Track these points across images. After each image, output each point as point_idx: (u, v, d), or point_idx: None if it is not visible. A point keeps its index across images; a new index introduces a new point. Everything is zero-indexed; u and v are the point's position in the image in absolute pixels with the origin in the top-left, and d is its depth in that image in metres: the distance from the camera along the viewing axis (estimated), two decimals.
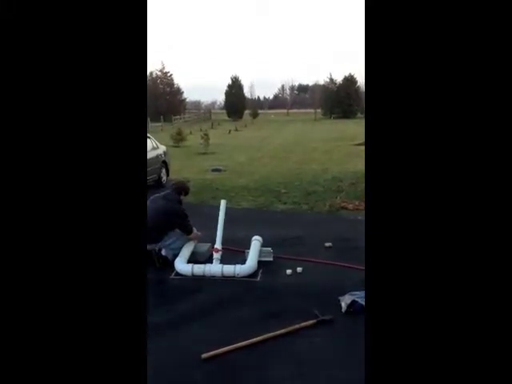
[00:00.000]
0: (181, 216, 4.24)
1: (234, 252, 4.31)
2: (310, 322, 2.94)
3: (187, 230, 4.25)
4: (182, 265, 3.87)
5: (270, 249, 4.15)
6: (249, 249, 4.07)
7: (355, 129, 20.99)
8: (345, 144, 16.33)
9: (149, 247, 3.99)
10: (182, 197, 4.44)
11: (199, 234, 4.37)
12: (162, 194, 4.44)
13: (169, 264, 4.02)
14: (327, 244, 4.55)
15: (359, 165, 10.47)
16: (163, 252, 4.13)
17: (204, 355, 2.56)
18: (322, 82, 45.75)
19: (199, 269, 3.78)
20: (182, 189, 4.48)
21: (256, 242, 4.18)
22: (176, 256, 4.04)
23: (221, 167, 10.62)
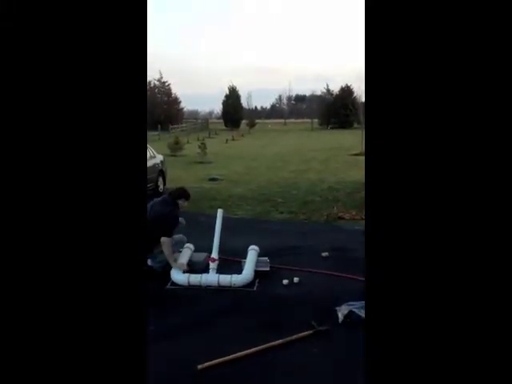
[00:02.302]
0: (168, 219, 4.01)
1: (231, 261, 4.29)
2: (307, 332, 2.92)
3: (167, 234, 3.95)
4: (178, 274, 3.85)
5: (266, 258, 4.14)
6: (245, 258, 4.06)
7: (352, 139, 21.09)
8: (341, 154, 16.40)
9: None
10: (182, 203, 4.24)
11: (184, 264, 4.00)
12: (160, 198, 4.37)
13: (156, 276, 3.89)
14: (324, 254, 4.55)
15: (356, 174, 10.51)
16: (149, 262, 4.03)
17: (200, 366, 2.53)
18: (318, 93, 46.14)
19: (195, 278, 3.76)
20: (180, 194, 4.28)
21: (253, 251, 4.17)
22: (163, 268, 3.94)
23: (218, 176, 10.63)
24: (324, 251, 4.59)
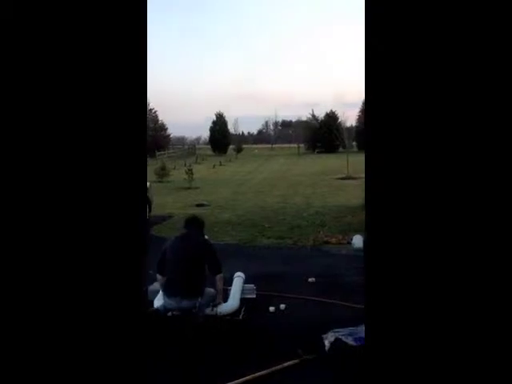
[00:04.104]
0: (213, 250, 3.55)
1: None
2: (294, 361, 2.86)
3: (218, 268, 3.49)
4: (158, 301, 3.75)
5: (252, 285, 4.09)
6: (231, 286, 4.00)
7: (337, 163, 21.40)
8: (328, 178, 16.57)
9: (186, 304, 3.30)
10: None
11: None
12: (179, 236, 3.67)
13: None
14: (310, 279, 4.52)
15: (341, 199, 10.61)
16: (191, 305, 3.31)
17: None
18: (304, 118, 47.03)
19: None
20: (202, 223, 3.73)
21: (238, 278, 4.12)
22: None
23: (205, 202, 10.60)
24: (311, 276, 4.57)
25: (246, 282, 4.15)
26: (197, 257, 3.47)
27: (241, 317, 3.63)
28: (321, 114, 42.43)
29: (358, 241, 5.99)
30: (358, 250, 5.84)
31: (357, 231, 6.64)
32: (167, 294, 3.42)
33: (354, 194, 10.97)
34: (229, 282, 4.13)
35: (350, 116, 66.23)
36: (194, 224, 3.70)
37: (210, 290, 3.59)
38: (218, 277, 3.51)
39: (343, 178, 15.66)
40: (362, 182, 13.16)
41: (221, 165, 25.99)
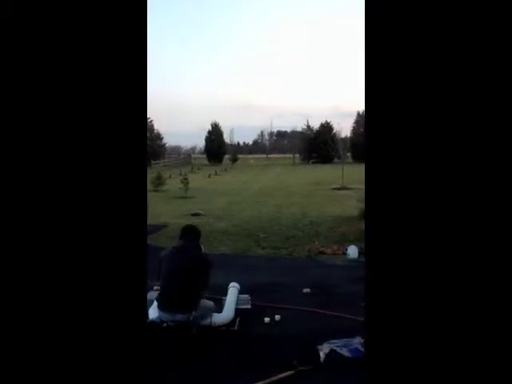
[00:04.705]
0: (210, 266, 3.54)
1: (211, 299, 4.19)
2: (289, 372, 2.85)
3: (207, 284, 3.55)
4: (154, 312, 3.73)
5: (247, 296, 4.08)
6: (226, 296, 3.99)
7: (332, 173, 21.49)
8: (322, 188, 16.61)
9: (180, 318, 3.30)
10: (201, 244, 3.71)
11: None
12: (176, 246, 3.62)
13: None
14: (305, 290, 4.51)
15: (337, 209, 10.64)
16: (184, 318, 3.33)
17: None
18: (299, 129, 47.31)
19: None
20: (198, 233, 3.68)
21: (233, 288, 4.11)
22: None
23: (200, 211, 10.58)
24: (306, 287, 4.57)
25: (240, 292, 4.14)
26: (192, 270, 3.45)
27: (236, 327, 3.61)
28: (316, 124, 42.77)
29: (352, 251, 6.01)
30: (352, 260, 5.85)
31: (352, 241, 6.65)
32: (161, 307, 3.40)
33: (349, 204, 11.01)
34: (224, 291, 4.11)
35: (344, 127, 66.82)
36: (190, 234, 3.67)
37: (206, 302, 3.58)
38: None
39: (338, 189, 15.72)
40: (356, 193, 13.27)
41: (216, 174, 26.00)
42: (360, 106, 43.08)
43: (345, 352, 3.09)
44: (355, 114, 39.01)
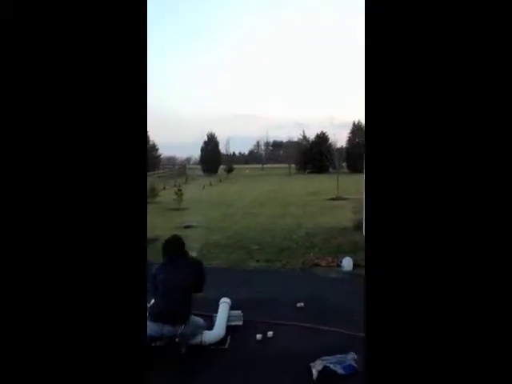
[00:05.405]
0: (204, 273, 3.52)
1: (202, 316, 4.10)
2: None
3: (201, 289, 3.54)
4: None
5: (239, 312, 3.98)
6: (217, 312, 3.89)
7: (328, 183, 21.46)
8: (318, 198, 16.57)
9: (168, 331, 3.25)
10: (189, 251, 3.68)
11: None
12: (164, 263, 3.51)
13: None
14: (299, 304, 4.42)
15: (332, 220, 10.57)
16: (174, 332, 3.27)
17: None
18: (295, 139, 47.47)
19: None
20: (181, 245, 3.57)
21: (224, 304, 4.01)
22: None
23: (193, 223, 10.48)
24: (299, 301, 4.48)
25: (232, 307, 4.04)
26: (183, 285, 3.38)
27: (227, 346, 3.50)
28: (312, 134, 42.96)
29: (347, 263, 5.93)
30: (347, 272, 5.77)
31: (347, 253, 6.58)
32: (151, 318, 3.32)
33: (344, 215, 10.96)
34: (215, 307, 4.02)
35: (340, 138, 67.33)
36: (174, 248, 3.51)
37: (196, 319, 3.49)
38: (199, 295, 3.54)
39: (333, 199, 15.68)
40: (351, 203, 13.24)
41: (211, 185, 25.94)
42: (355, 116, 43.43)
43: (338, 369, 3.01)
44: (351, 125, 39.32)
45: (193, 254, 3.80)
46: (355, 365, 3.02)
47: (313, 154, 38.51)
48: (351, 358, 3.10)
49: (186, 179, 29.86)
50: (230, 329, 3.73)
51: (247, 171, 46.27)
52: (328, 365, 3.01)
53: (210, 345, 3.48)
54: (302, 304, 4.43)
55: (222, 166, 41.82)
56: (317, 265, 6.27)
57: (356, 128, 37.83)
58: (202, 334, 3.44)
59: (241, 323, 3.88)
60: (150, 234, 8.88)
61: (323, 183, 23.87)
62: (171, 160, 47.44)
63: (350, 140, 38.57)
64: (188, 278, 3.43)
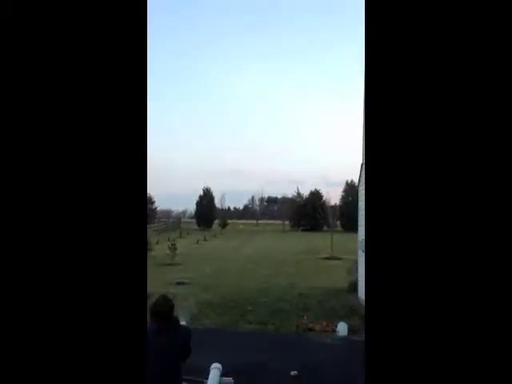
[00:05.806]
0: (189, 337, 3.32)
1: (192, 382, 3.92)
2: None
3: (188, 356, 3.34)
4: None
5: (230, 379, 3.82)
6: (207, 378, 3.73)
7: (322, 242, 21.41)
8: (311, 257, 16.45)
9: None
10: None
11: None
12: (153, 330, 3.18)
13: None
14: (293, 373, 4.26)
15: (326, 281, 10.44)
16: None
17: None
18: (289, 195, 48.02)
19: None
20: (171, 307, 3.32)
21: (215, 370, 3.85)
22: None
23: (186, 280, 10.30)
24: (293, 369, 4.31)
25: (223, 374, 3.88)
26: (172, 357, 3.23)
27: None
28: (305, 191, 43.53)
29: (342, 328, 5.80)
30: (342, 338, 5.62)
31: (341, 317, 6.44)
32: None
33: (338, 275, 10.84)
34: (205, 373, 3.85)
35: (333, 196, 68.12)
36: (163, 313, 3.27)
37: None
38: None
39: (327, 258, 15.59)
40: (345, 263, 13.10)
41: (205, 240, 25.75)
42: (348, 175, 44.27)
43: None
44: (343, 184, 40.04)
45: (182, 321, 3.61)
46: None
47: (307, 211, 38.77)
48: None
49: (181, 233, 29.66)
50: None
51: (241, 226, 46.19)
52: None
53: None
54: (296, 372, 4.27)
55: (216, 221, 41.78)
56: (311, 329, 6.11)
57: (349, 187, 38.43)
58: None
59: None
60: None
61: (317, 241, 23.78)
62: (167, 213, 47.38)
63: (344, 198, 39.05)
64: (177, 347, 3.30)
